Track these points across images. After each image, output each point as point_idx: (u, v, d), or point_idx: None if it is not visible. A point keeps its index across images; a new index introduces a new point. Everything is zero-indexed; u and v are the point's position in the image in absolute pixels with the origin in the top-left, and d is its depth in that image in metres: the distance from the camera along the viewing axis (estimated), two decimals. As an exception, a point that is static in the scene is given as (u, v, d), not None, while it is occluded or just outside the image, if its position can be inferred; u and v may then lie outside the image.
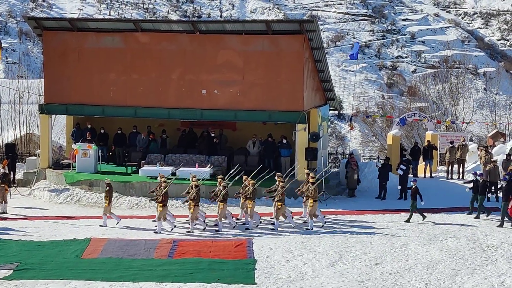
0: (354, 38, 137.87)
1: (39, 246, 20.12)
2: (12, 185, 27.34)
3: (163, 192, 21.92)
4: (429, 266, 18.14)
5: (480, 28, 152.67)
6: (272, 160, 28.65)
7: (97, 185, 27.01)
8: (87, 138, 29.31)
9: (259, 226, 22.60)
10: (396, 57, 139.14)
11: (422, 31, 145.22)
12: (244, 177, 23.24)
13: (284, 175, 23.41)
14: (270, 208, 23.22)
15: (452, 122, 42.46)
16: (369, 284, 16.85)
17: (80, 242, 20.37)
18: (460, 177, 30.38)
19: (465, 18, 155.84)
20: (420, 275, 17.45)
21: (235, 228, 22.29)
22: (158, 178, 23.17)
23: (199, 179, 22.86)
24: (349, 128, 47.39)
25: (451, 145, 31.01)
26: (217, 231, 21.94)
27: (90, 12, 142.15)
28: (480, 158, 29.85)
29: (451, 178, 30.50)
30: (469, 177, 27.29)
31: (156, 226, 21.94)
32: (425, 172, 31.16)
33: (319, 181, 22.87)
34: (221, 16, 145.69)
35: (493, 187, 25.95)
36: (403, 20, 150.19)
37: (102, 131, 30.40)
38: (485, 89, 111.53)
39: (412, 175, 29.29)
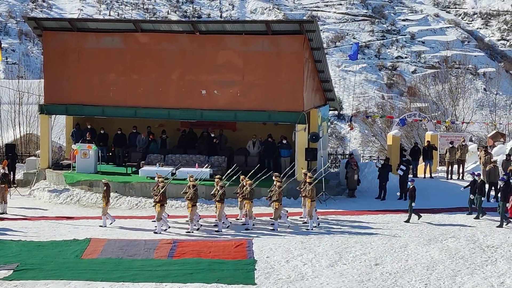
0: (354, 38, 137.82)
1: (39, 246, 20.13)
2: (12, 186, 27.35)
3: (160, 192, 21.92)
4: (429, 267, 18.14)
5: (480, 28, 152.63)
6: (272, 160, 28.65)
7: (97, 186, 27.00)
8: (87, 138, 29.31)
9: (255, 226, 22.53)
10: (396, 58, 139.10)
11: (422, 31, 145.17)
12: (242, 177, 23.25)
13: (281, 175, 23.39)
14: (270, 208, 23.20)
15: (452, 122, 42.46)
16: (369, 285, 16.86)
17: (80, 242, 20.37)
18: (460, 178, 30.38)
19: (465, 19, 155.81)
20: (420, 276, 17.45)
21: (229, 228, 22.24)
22: (156, 178, 23.19)
23: (196, 179, 22.85)
24: (349, 128, 47.40)
25: (451, 146, 31.02)
26: (217, 231, 21.94)
27: (90, 13, 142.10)
28: (480, 158, 29.86)
29: (451, 178, 30.50)
30: (469, 177, 27.26)
31: (155, 227, 21.94)
32: (425, 173, 31.17)
33: (316, 181, 22.82)
34: (221, 17, 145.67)
35: (493, 188, 25.95)
36: (403, 20, 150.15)
37: (102, 132, 30.40)
38: (485, 89, 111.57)
39: (412, 176, 29.29)
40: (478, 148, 32.14)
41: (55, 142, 35.89)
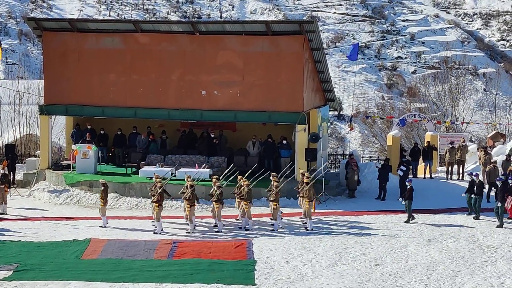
0: (354, 39, 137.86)
1: (39, 247, 20.13)
2: (12, 186, 27.37)
3: (158, 192, 21.92)
4: (429, 267, 18.14)
5: (480, 28, 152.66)
6: (272, 160, 28.65)
7: (97, 186, 26.93)
8: (87, 139, 29.31)
9: (252, 227, 22.52)
10: (396, 58, 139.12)
11: (422, 31, 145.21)
12: (239, 177, 23.24)
13: (279, 175, 23.36)
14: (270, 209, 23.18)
15: (451, 122, 42.46)
16: (369, 285, 16.86)
17: (80, 243, 20.37)
18: (460, 178, 30.37)
19: (465, 19, 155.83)
20: (420, 276, 17.45)
21: (225, 229, 22.16)
22: (153, 178, 23.19)
23: (194, 180, 22.82)
24: (349, 128, 47.46)
25: (450, 146, 31.01)
26: (217, 231, 21.94)
27: (90, 13, 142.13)
28: (480, 158, 29.86)
29: (451, 179, 30.49)
30: (468, 178, 27.16)
31: (155, 227, 21.94)
32: (424, 173, 31.17)
33: (313, 182, 22.79)
34: (220, 17, 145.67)
35: (493, 188, 25.94)
36: (403, 20, 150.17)
37: (102, 132, 30.40)
38: (485, 89, 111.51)
39: (412, 176, 29.29)
40: (478, 149, 32.14)
41: (55, 143, 35.87)
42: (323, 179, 26.51)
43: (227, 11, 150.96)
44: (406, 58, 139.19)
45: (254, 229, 22.18)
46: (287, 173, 23.98)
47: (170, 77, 28.08)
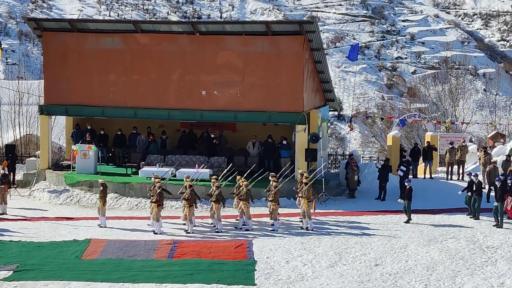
0: (354, 39, 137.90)
1: (39, 247, 20.13)
2: (12, 186, 27.37)
3: (157, 192, 21.91)
4: (429, 267, 18.14)
5: (480, 29, 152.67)
6: (272, 161, 28.65)
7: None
8: (87, 139, 29.31)
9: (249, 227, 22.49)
10: (396, 58, 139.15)
11: (421, 32, 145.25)
12: (238, 177, 23.23)
13: (278, 175, 23.35)
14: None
15: (451, 123, 42.46)
16: (369, 285, 16.86)
17: (80, 243, 20.37)
18: (460, 178, 30.36)
19: (464, 19, 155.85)
20: (420, 276, 17.45)
21: (226, 229, 22.14)
22: (152, 178, 23.17)
23: (192, 180, 22.82)
24: (349, 129, 47.42)
25: (450, 146, 31.01)
26: (217, 232, 21.94)
27: (90, 13, 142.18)
28: (480, 159, 29.86)
29: (451, 179, 30.48)
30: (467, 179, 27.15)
31: (155, 227, 21.93)
32: (424, 173, 31.16)
33: (312, 182, 22.76)
34: (220, 17, 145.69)
35: (493, 188, 25.92)
36: (403, 21, 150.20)
37: (102, 132, 30.40)
38: (484, 90, 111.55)
39: (412, 176, 29.29)
40: (478, 149, 32.14)
41: (55, 143, 35.89)
42: (323, 179, 26.51)
43: (227, 11, 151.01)
44: (406, 58, 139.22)
45: (254, 229, 22.16)
46: (285, 173, 23.92)
47: (170, 78, 28.08)
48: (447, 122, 40.60)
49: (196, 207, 23.30)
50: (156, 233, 21.66)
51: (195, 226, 22.34)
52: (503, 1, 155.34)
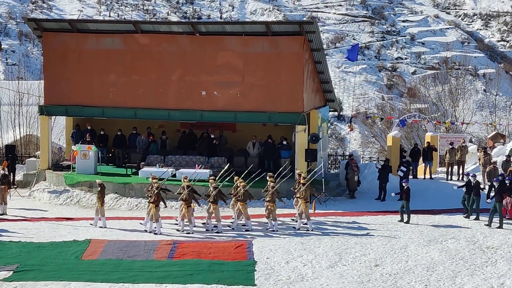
0: (354, 39, 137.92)
1: (39, 247, 20.12)
2: (12, 187, 27.35)
3: (155, 193, 21.90)
4: (429, 268, 18.14)
5: (480, 29, 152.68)
6: (272, 161, 28.64)
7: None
8: (87, 139, 29.33)
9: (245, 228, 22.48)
10: (396, 59, 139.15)
11: (421, 32, 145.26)
12: (236, 178, 23.23)
13: (275, 175, 23.33)
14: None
15: (451, 123, 42.46)
16: (369, 286, 16.86)
17: (80, 243, 20.36)
18: (460, 179, 30.37)
19: (465, 20, 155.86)
20: (420, 277, 17.45)
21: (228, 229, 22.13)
22: (150, 179, 23.16)
23: (190, 180, 22.82)
24: (349, 129, 47.40)
25: (450, 147, 31.02)
26: (217, 232, 21.94)
27: (90, 14, 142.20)
28: (479, 159, 29.87)
29: (451, 179, 30.48)
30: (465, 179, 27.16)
31: (155, 228, 21.94)
32: (424, 174, 31.16)
33: (309, 182, 22.74)
34: (221, 18, 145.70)
35: (493, 188, 25.93)
36: (403, 21, 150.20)
37: (102, 133, 30.40)
38: (484, 90, 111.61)
39: (412, 177, 29.29)
40: (478, 149, 32.16)
41: (55, 143, 35.89)
42: (323, 179, 26.51)
43: (227, 11, 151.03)
44: (406, 58, 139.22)
45: (254, 229, 22.16)
46: (283, 173, 23.88)
47: (170, 78, 28.09)
48: (447, 122, 40.60)
49: (199, 205, 23.33)
50: (150, 232, 21.67)
51: (195, 226, 22.32)
52: (503, 2, 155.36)
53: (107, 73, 28.51)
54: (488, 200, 24.46)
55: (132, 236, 21.45)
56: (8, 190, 25.66)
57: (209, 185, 22.61)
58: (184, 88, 27.98)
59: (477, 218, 23.23)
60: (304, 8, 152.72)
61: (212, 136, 29.55)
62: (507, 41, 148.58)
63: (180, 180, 25.32)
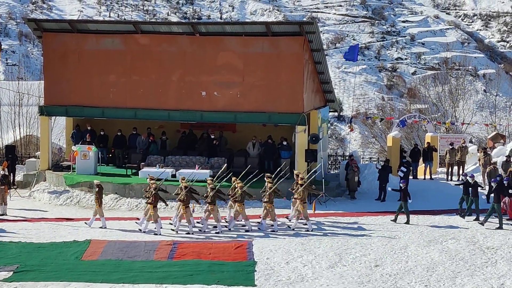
0: (354, 40, 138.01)
1: (39, 248, 20.11)
2: (12, 187, 27.34)
3: (153, 194, 21.89)
4: (429, 268, 18.14)
5: (480, 29, 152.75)
6: (272, 162, 28.64)
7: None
8: (87, 139, 29.32)
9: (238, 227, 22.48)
10: (396, 59, 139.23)
11: (422, 32, 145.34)
12: (233, 178, 23.21)
13: (273, 176, 23.30)
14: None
15: (452, 123, 42.46)
16: (369, 286, 16.85)
17: (80, 244, 20.36)
18: (460, 179, 30.33)
19: (465, 20, 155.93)
20: (420, 277, 17.45)
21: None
22: (147, 180, 23.15)
23: (188, 181, 22.80)
24: (349, 129, 47.43)
25: (451, 147, 31.04)
26: (217, 233, 21.94)
27: (90, 14, 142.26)
28: (479, 159, 29.88)
29: (451, 180, 30.49)
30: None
31: (155, 228, 21.93)
32: (425, 174, 31.18)
33: (307, 183, 22.72)
34: (221, 18, 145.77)
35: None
36: (403, 22, 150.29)
37: (102, 133, 30.40)
38: (485, 90, 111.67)
39: (412, 177, 29.29)
40: (478, 150, 32.16)
41: (55, 144, 35.88)
42: (323, 180, 26.51)
43: (227, 12, 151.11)
44: (406, 59, 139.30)
45: (254, 230, 22.15)
46: (281, 173, 23.84)
47: (170, 78, 28.09)
48: (447, 123, 40.61)
49: (199, 204, 23.30)
50: (144, 232, 21.69)
51: (194, 226, 22.31)
52: (503, 2, 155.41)
53: (107, 73, 28.51)
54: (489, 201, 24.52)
55: (132, 237, 21.44)
56: (8, 191, 25.65)
57: (207, 186, 22.58)
58: (184, 88, 27.98)
59: (477, 219, 23.22)
60: (304, 9, 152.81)
61: (212, 136, 29.55)
62: (507, 42, 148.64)
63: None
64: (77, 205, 26.72)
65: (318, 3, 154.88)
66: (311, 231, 21.90)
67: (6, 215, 24.72)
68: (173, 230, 22.13)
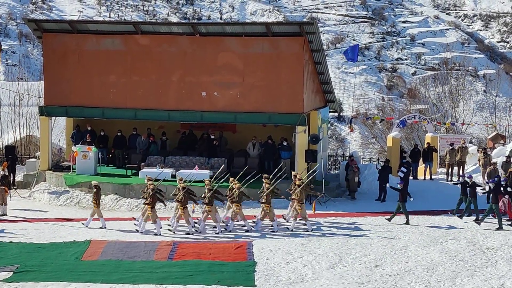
0: (354, 40, 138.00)
1: (39, 248, 20.12)
2: (12, 187, 27.34)
3: (151, 194, 21.88)
4: (429, 268, 18.14)
5: (480, 30, 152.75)
6: (272, 162, 28.63)
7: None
8: (87, 140, 29.32)
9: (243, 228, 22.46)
10: (396, 59, 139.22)
11: (422, 33, 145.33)
12: (231, 179, 23.20)
13: (271, 176, 23.30)
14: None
15: (452, 124, 42.46)
16: (369, 286, 16.85)
17: (80, 244, 20.36)
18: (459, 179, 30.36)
19: (465, 20, 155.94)
20: (420, 277, 17.45)
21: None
22: (145, 180, 23.14)
23: (185, 181, 22.79)
24: (349, 130, 47.43)
25: (451, 147, 31.03)
26: (216, 233, 21.94)
27: (90, 14, 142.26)
28: (479, 160, 29.87)
29: (451, 180, 30.48)
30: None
31: (154, 228, 21.93)
32: (425, 174, 31.17)
33: (304, 184, 22.70)
34: (221, 18, 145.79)
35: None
36: (403, 22, 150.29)
37: (102, 133, 30.40)
38: (485, 91, 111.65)
39: (412, 177, 29.28)
40: (478, 150, 32.16)
41: (55, 144, 35.88)
42: (323, 180, 26.51)
43: (227, 12, 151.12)
44: (406, 59, 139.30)
45: (254, 230, 22.15)
46: (279, 174, 23.82)
47: (170, 79, 28.09)
48: (447, 123, 40.60)
49: (197, 204, 23.31)
50: (142, 233, 21.69)
51: (194, 226, 22.29)
52: (503, 2, 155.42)
53: (107, 74, 28.51)
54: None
55: (132, 237, 21.45)
56: (8, 191, 25.64)
57: (205, 187, 22.57)
58: (184, 89, 27.98)
59: (477, 219, 23.20)
60: (304, 9, 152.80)
61: (212, 137, 29.55)
62: (507, 42, 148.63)
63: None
64: (77, 206, 26.72)
65: (318, 4, 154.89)
66: (311, 231, 21.90)
67: (6, 215, 24.73)
68: (170, 230, 22.13)
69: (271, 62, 27.09)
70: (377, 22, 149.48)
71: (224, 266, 18.19)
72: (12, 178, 29.03)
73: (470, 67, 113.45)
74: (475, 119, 55.73)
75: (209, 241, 20.92)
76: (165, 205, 23.22)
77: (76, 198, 27.13)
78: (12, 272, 17.79)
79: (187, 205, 22.09)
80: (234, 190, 22.29)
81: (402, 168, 27.10)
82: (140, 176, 27.09)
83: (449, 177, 30.74)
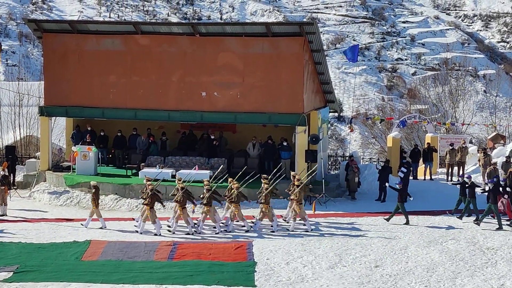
0: (354, 40, 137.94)
1: (39, 248, 20.13)
2: (12, 187, 27.35)
3: (149, 195, 21.87)
4: (429, 269, 18.14)
5: (480, 30, 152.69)
6: (272, 162, 28.63)
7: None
8: (87, 140, 29.32)
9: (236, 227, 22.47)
10: (396, 59, 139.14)
11: (422, 33, 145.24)
12: (230, 179, 23.20)
13: (270, 177, 23.29)
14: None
15: (452, 124, 42.46)
16: (369, 287, 16.86)
17: (80, 244, 20.37)
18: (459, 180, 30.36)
19: (465, 21, 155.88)
20: (420, 278, 17.45)
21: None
22: (144, 181, 23.13)
23: (184, 182, 22.79)
24: (349, 130, 47.43)
25: (451, 148, 31.03)
26: (216, 233, 21.94)
27: (90, 15, 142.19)
28: (479, 160, 29.88)
29: (451, 180, 30.48)
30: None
31: (154, 229, 21.92)
32: (425, 175, 31.16)
33: (303, 184, 22.69)
34: (221, 19, 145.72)
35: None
36: (403, 22, 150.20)
37: (102, 133, 30.40)
38: (485, 91, 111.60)
39: (412, 178, 29.28)
40: (478, 150, 32.16)
41: (55, 144, 35.87)
42: (323, 180, 26.51)
43: (227, 12, 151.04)
44: (406, 59, 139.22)
45: (253, 230, 22.14)
46: (278, 174, 23.82)
47: (170, 79, 28.09)
48: (447, 123, 40.61)
49: (195, 205, 23.31)
50: (141, 233, 21.68)
51: (193, 227, 22.29)
52: (503, 3, 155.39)
53: (107, 74, 28.51)
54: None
55: (132, 237, 21.45)
56: (8, 191, 25.65)
57: (203, 187, 22.57)
58: (184, 89, 27.98)
59: (476, 219, 23.20)
60: (304, 9, 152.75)
61: (212, 137, 29.55)
62: (507, 42, 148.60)
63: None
64: (77, 206, 26.72)
65: (318, 4, 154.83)
66: (310, 231, 21.90)
67: (6, 215, 24.73)
68: (169, 231, 22.13)
69: (271, 62, 27.09)
70: (377, 22, 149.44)
71: (224, 266, 18.20)
72: (12, 178, 29.03)
73: (470, 67, 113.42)
74: (475, 119, 55.71)
75: (209, 241, 20.92)
76: (164, 206, 23.21)
77: (76, 198, 27.13)
78: (12, 272, 17.80)
79: (186, 206, 22.09)
80: (232, 191, 22.29)
81: (402, 168, 27.09)
82: (140, 176, 27.08)
83: (449, 177, 30.73)
